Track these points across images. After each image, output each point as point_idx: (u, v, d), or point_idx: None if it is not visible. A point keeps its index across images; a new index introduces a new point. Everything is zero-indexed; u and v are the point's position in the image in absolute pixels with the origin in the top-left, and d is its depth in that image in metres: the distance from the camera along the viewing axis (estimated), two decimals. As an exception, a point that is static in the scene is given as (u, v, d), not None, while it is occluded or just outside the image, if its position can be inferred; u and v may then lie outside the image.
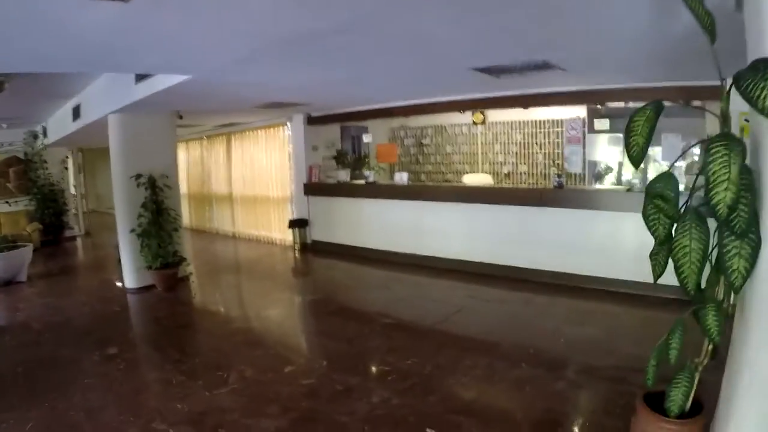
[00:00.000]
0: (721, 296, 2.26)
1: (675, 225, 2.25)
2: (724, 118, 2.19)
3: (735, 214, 1.94)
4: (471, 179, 9.39)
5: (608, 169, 8.23)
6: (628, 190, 6.16)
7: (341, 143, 10.19)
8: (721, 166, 1.89)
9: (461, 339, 4.82)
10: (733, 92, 1.95)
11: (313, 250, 9.29)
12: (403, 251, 8.03)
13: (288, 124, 9.45)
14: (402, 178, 8.24)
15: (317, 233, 9.35)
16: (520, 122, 10.20)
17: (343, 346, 4.67)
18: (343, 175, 9.10)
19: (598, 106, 7.39)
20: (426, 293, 6.53)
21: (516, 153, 10.34)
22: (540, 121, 9.95)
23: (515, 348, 4.45)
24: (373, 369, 4.19)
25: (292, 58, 4.23)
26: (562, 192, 6.55)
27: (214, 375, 4.06)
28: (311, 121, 9.24)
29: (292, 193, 9.55)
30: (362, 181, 8.76)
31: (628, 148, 2.28)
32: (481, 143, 10.81)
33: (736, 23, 2.11)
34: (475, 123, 10.37)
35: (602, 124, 7.23)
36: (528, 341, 4.59)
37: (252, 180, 10.93)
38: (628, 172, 7.69)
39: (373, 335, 4.92)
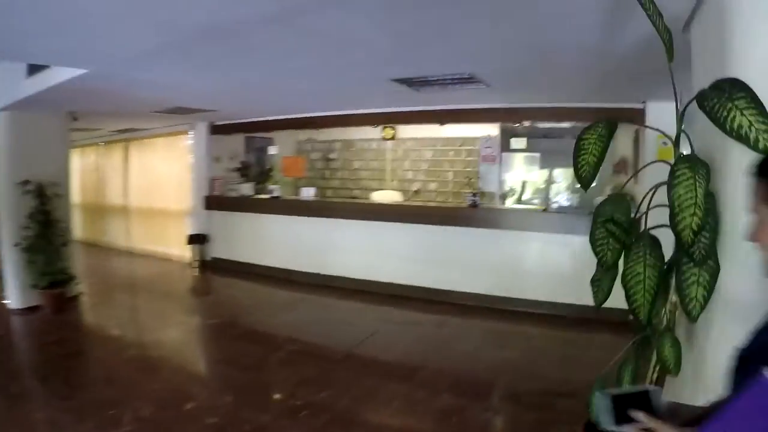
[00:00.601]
0: (665, 324, 2.17)
1: (623, 251, 2.14)
2: (677, 141, 2.10)
3: (695, 241, 1.83)
4: (380, 196, 9.23)
5: (511, 191, 8.39)
6: (544, 210, 6.25)
7: (245, 155, 9.66)
8: (686, 189, 1.79)
9: (377, 365, 4.58)
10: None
11: (213, 267, 8.67)
12: (308, 270, 7.67)
13: (190, 132, 8.81)
14: (308, 193, 7.91)
15: (218, 250, 8.76)
16: (430, 139, 10.18)
17: (250, 377, 4.27)
18: (247, 189, 8.61)
19: (516, 125, 7.49)
20: (335, 316, 6.24)
21: (426, 170, 10.32)
22: (451, 139, 9.99)
23: (435, 374, 4.27)
24: (284, 403, 3.80)
25: (203, 56, 3.84)
26: (477, 211, 6.54)
27: (106, 414, 3.51)
28: (215, 130, 8.69)
29: (192, 207, 8.89)
30: (266, 196, 8.32)
31: (577, 168, 2.14)
32: (391, 159, 10.68)
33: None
34: (385, 138, 10.19)
35: (519, 143, 7.36)
36: (448, 366, 4.45)
37: (149, 191, 10.13)
38: (528, 192, 7.87)
39: (282, 364, 4.55)
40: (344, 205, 7.93)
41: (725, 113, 1.71)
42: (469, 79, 4.75)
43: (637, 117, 5.43)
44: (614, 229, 2.12)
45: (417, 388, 3.98)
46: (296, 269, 7.78)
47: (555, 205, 6.52)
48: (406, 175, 10.53)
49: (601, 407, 1.15)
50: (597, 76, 4.38)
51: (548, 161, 8.03)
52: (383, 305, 6.45)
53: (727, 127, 1.70)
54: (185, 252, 8.93)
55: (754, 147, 1.65)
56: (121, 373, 4.33)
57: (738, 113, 1.68)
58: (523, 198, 8.11)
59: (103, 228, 11.46)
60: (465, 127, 9.35)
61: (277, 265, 7.97)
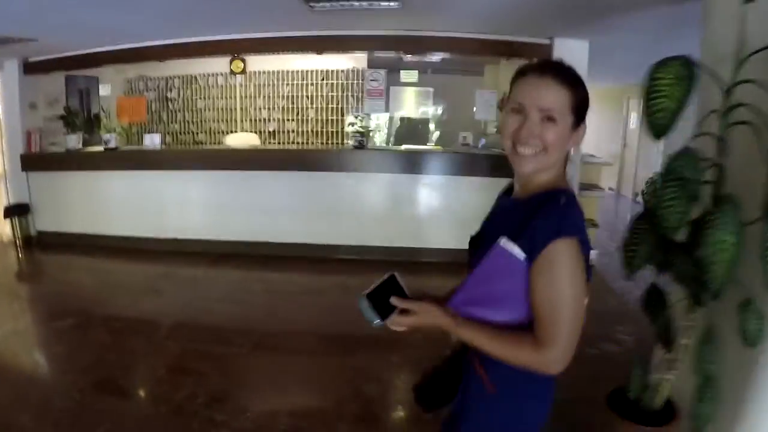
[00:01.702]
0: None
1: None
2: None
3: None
4: (235, 140, 8.21)
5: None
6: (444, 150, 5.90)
7: (67, 99, 7.88)
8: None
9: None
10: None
11: (40, 244, 7.13)
12: (164, 236, 6.60)
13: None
14: (153, 141, 6.68)
15: (44, 222, 7.18)
16: (286, 72, 9.25)
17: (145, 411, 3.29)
18: (74, 141, 7.01)
19: (403, 56, 6.79)
20: (214, 293, 5.32)
21: (283, 108, 9.40)
22: (310, 72, 9.16)
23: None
24: None
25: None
26: (364, 154, 5.98)
27: None
28: (29, 68, 6.90)
29: (5, 170, 7.07)
30: (100, 148, 6.90)
31: (651, 112, 1.69)
32: (241, 97, 9.56)
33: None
34: (233, 72, 8.93)
35: (410, 75, 6.75)
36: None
37: None
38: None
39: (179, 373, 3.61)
40: (202, 154, 6.85)
41: None
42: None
43: (541, 53, 5.21)
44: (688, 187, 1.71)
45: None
46: (148, 236, 6.65)
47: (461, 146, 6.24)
48: (260, 115, 9.56)
49: (364, 309, 1.20)
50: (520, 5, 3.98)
51: (442, 97, 7.63)
52: (266, 271, 5.80)
53: None
54: (2, 228, 7.18)
55: None
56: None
57: None
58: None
59: None
60: (323, 59, 8.60)
61: (123, 234, 6.75)
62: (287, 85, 9.30)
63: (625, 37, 5.14)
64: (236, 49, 6.37)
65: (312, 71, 9.18)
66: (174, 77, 9.60)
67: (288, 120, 9.38)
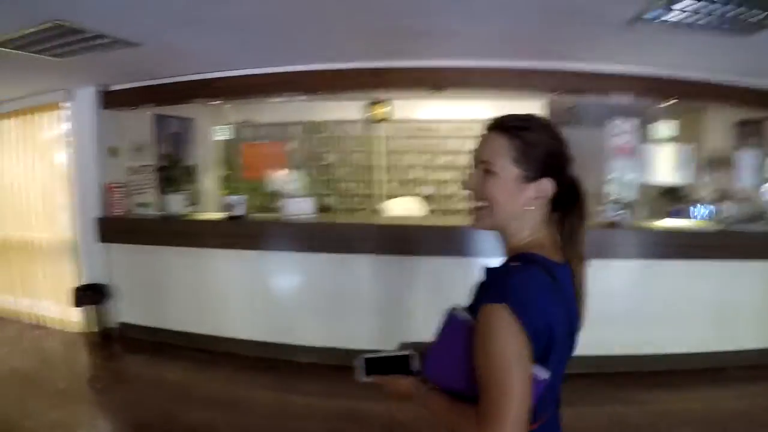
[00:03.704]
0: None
1: None
2: None
3: None
4: (398, 207, 6.07)
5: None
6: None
7: (160, 146, 5.92)
8: None
9: None
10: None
11: (122, 340, 5.01)
12: (306, 343, 4.37)
13: (66, 105, 5.06)
14: (301, 206, 4.45)
15: (130, 311, 5.08)
16: (440, 123, 7.18)
17: None
18: (178, 203, 4.94)
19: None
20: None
21: (435, 167, 7.28)
22: (474, 122, 7.03)
23: None
24: None
25: None
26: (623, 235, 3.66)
27: None
28: (110, 100, 4.99)
29: (76, 239, 5.17)
30: (219, 215, 4.77)
31: None
32: (385, 152, 7.38)
33: None
34: (372, 121, 6.76)
35: (665, 128, 4.48)
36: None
37: None
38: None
39: None
40: (387, 230, 4.44)
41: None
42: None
43: None
44: None
45: None
46: (283, 342, 4.43)
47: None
48: (407, 174, 7.36)
49: (357, 365, 1.32)
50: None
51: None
52: None
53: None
54: (70, 313, 5.22)
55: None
56: None
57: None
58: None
59: None
60: (492, 105, 6.38)
61: (240, 336, 4.57)
62: (444, 138, 7.15)
63: None
64: (434, 80, 4.21)
65: (475, 121, 7.03)
66: (293, 123, 7.46)
67: (447, 182, 7.19)
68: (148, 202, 5.09)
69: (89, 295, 4.92)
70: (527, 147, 1.11)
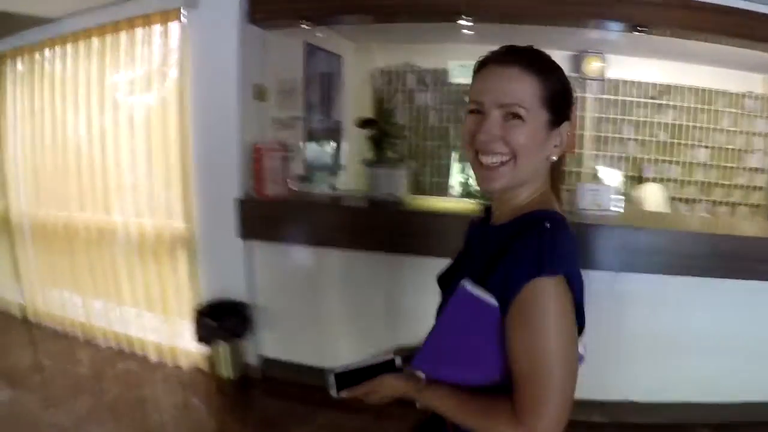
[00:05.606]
0: None
1: None
2: None
3: None
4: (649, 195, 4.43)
5: None
6: None
7: (307, 88, 4.02)
8: None
9: None
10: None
11: (266, 385, 3.20)
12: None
13: (183, 18, 3.11)
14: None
15: (276, 343, 3.24)
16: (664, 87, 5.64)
17: None
18: (393, 183, 2.98)
19: None
20: None
21: (660, 144, 5.74)
22: (703, 91, 5.60)
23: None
24: None
25: None
26: None
27: None
28: (259, 12, 3.06)
29: (194, 227, 3.25)
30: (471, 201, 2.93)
31: None
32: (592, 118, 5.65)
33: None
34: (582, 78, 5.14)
35: None
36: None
37: (78, 187, 3.76)
38: None
39: None
40: None
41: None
42: None
43: None
44: None
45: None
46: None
47: None
48: (614, 149, 5.73)
49: (328, 382, 1.13)
50: None
51: None
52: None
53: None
54: (189, 342, 3.32)
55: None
56: None
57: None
58: None
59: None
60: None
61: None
62: (669, 106, 5.48)
63: None
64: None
65: (706, 91, 5.43)
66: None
67: (669, 162, 5.57)
68: (317, 177, 3.21)
69: (219, 322, 3.05)
70: (560, 90, 0.94)
